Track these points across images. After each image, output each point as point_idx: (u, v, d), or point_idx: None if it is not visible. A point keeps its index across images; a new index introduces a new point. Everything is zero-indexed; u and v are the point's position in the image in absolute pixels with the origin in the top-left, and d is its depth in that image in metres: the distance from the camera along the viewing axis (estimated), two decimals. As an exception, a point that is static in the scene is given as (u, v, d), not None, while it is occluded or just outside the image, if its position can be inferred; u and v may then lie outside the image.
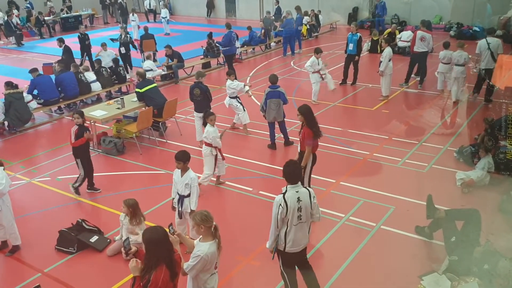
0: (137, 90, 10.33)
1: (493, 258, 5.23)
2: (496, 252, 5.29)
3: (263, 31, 18.75)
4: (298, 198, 4.78)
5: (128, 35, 15.78)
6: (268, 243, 5.08)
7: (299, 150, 7.20)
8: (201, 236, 4.32)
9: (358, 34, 13.21)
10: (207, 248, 4.20)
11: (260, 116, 10.62)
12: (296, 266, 5.25)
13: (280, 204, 4.75)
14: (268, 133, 9.72)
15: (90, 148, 9.84)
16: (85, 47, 16.18)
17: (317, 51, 11.87)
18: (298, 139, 7.22)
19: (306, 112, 6.86)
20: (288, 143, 9.68)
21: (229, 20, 27.81)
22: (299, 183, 4.89)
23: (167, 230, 4.20)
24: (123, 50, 15.20)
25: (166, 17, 23.35)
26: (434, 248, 6.31)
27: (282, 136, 9.72)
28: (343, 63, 13.83)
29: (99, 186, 8.33)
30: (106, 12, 27.88)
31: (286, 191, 4.82)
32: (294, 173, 4.87)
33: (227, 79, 10.51)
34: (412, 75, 13.54)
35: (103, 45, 14.44)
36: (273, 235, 4.94)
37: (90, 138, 8.02)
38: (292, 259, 5.09)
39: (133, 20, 21.80)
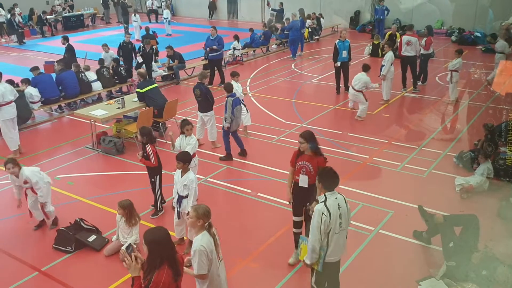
0: (138, 90, 10.32)
1: (492, 264, 5.23)
2: (495, 258, 5.29)
3: (262, 36, 18.67)
4: (338, 204, 4.63)
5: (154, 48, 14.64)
6: (307, 259, 4.76)
7: (306, 186, 5.77)
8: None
9: (348, 40, 13.05)
10: (199, 240, 4.20)
11: (259, 118, 10.64)
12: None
13: (323, 213, 4.52)
14: (263, 134, 9.69)
15: (89, 147, 9.93)
16: (130, 52, 14.46)
17: (366, 68, 11.17)
18: (305, 173, 5.75)
19: (313, 138, 5.78)
20: (244, 153, 9.34)
21: (230, 22, 27.91)
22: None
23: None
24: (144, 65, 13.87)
25: (167, 18, 23.39)
26: (432, 253, 6.30)
27: (237, 145, 9.33)
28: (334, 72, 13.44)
29: (97, 186, 8.35)
30: (108, 12, 27.90)
31: (326, 199, 4.61)
32: (334, 179, 4.68)
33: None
34: (419, 83, 13.56)
35: (104, 46, 14.46)
36: (315, 248, 4.64)
37: (140, 159, 7.13)
38: (329, 269, 4.85)
39: (135, 21, 21.81)
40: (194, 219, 4.25)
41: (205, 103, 9.47)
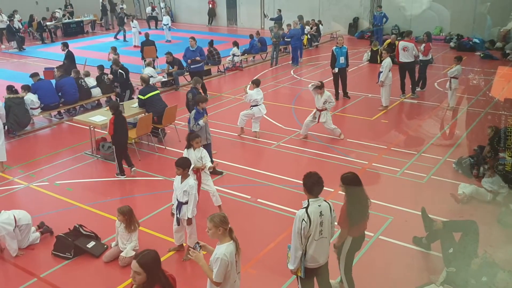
0: (140, 96, 10.23)
1: (491, 270, 5.21)
2: (494, 264, 5.28)
3: (259, 44, 18.62)
4: (321, 212, 4.63)
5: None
6: (290, 264, 4.80)
7: None
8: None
9: (345, 46, 13.01)
10: (224, 248, 4.20)
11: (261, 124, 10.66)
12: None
13: (303, 219, 4.54)
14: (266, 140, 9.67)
15: (89, 153, 9.93)
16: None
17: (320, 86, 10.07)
18: None
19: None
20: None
21: (230, 28, 27.99)
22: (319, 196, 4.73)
23: (192, 248, 4.26)
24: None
25: (167, 24, 23.48)
26: (432, 259, 6.29)
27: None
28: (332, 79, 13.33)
29: (96, 192, 8.38)
30: (107, 18, 28.00)
31: (308, 205, 4.63)
32: (318, 185, 4.67)
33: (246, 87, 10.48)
34: (418, 89, 13.60)
35: (113, 49, 14.66)
36: (297, 253, 4.68)
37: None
38: (310, 275, 4.91)
39: (134, 27, 21.93)
40: (213, 229, 4.23)
41: (194, 107, 9.47)
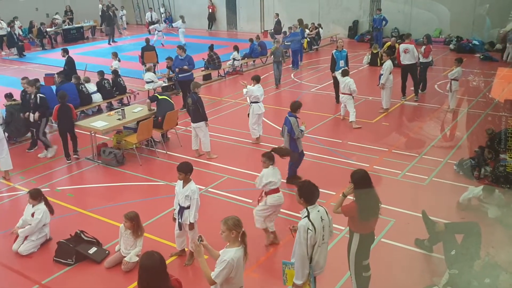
0: (157, 94, 10.64)
1: (494, 271, 5.20)
2: (497, 265, 5.26)
3: (259, 48, 18.57)
4: (321, 217, 4.62)
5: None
6: (298, 278, 4.64)
7: None
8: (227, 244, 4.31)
9: (345, 50, 13.00)
10: (233, 252, 4.18)
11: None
12: None
13: (309, 228, 4.48)
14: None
15: (90, 159, 9.94)
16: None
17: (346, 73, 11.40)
18: None
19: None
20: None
21: (230, 33, 28.05)
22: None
23: (197, 241, 4.25)
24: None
25: (180, 27, 23.69)
26: (434, 261, 6.28)
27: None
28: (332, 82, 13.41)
29: (98, 197, 8.37)
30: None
31: (308, 213, 4.58)
32: (315, 191, 4.67)
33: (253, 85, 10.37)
34: (418, 91, 13.61)
35: (113, 54, 14.83)
36: (305, 264, 4.57)
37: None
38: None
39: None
40: (227, 232, 4.21)
41: (196, 112, 9.47)
